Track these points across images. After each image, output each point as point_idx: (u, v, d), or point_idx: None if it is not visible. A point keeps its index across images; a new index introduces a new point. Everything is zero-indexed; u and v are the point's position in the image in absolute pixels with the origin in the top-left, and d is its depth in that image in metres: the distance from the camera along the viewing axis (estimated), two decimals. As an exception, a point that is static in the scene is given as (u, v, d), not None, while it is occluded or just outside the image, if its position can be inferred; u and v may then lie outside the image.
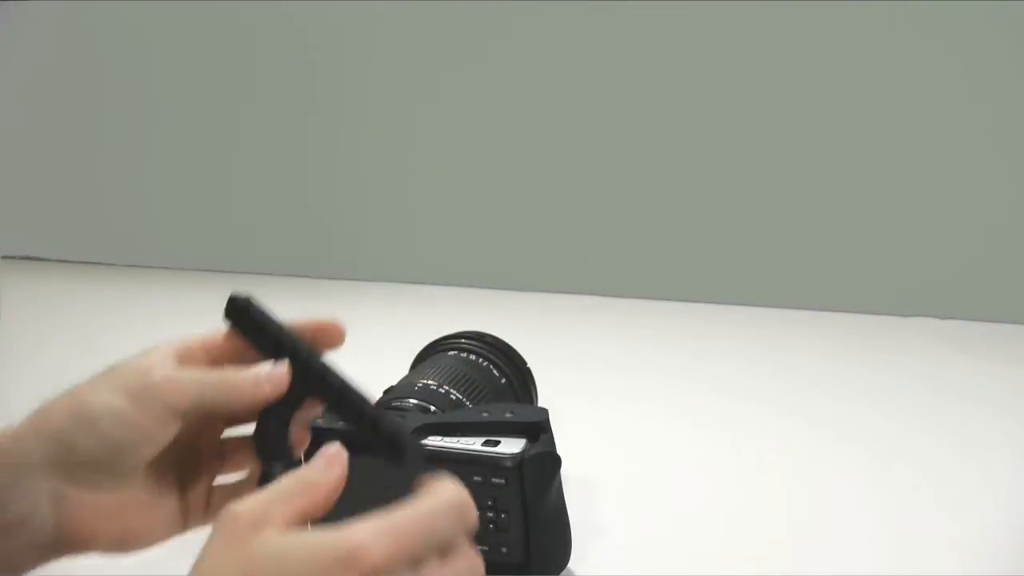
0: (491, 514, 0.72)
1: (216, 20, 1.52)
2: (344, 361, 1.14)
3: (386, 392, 0.83)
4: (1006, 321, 1.29)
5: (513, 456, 0.71)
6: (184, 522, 0.57)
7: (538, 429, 0.72)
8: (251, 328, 0.59)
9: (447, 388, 0.81)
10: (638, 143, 1.41)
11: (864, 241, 1.36)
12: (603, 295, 1.42)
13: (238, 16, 1.50)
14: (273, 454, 0.56)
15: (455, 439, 0.72)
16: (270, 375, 0.57)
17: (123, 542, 0.55)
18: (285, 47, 1.50)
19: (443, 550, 0.50)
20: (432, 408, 0.79)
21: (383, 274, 1.51)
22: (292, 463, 0.55)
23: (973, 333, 1.25)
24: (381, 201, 1.53)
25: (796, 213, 1.38)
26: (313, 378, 0.58)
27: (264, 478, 0.54)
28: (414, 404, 0.79)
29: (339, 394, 0.57)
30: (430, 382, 0.82)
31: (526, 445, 0.71)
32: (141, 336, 1.27)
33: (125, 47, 1.57)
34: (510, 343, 0.89)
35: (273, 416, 0.57)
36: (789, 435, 0.98)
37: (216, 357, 0.57)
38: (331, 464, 0.52)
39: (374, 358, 1.04)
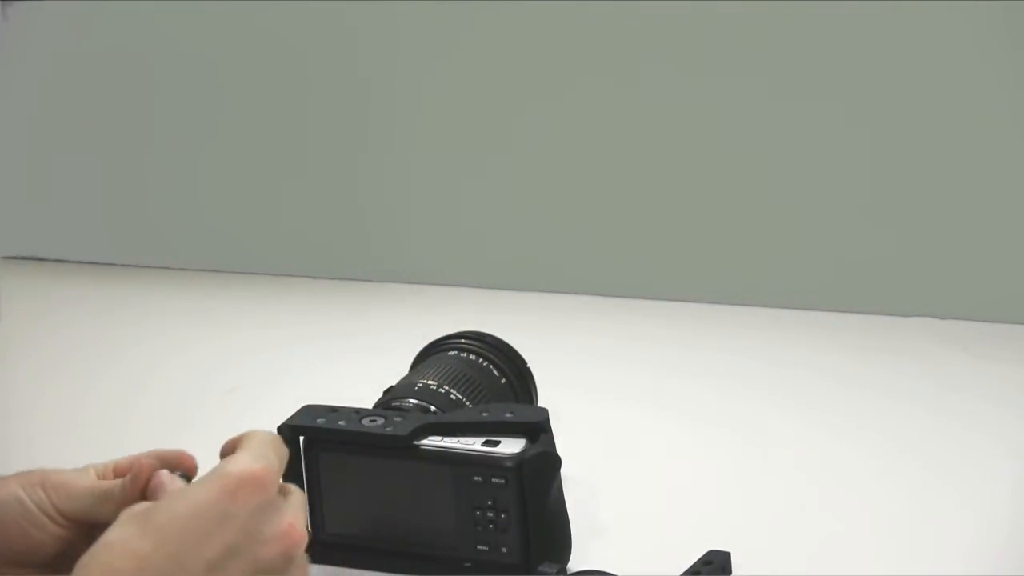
0: (491, 514, 0.72)
1: (216, 20, 1.52)
2: (344, 361, 1.14)
3: (386, 392, 0.83)
4: (1006, 321, 1.29)
5: (513, 456, 0.71)
6: None
7: (538, 429, 0.72)
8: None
9: (447, 388, 0.81)
10: (638, 143, 1.41)
11: (864, 241, 1.36)
12: (603, 295, 1.42)
13: (238, 16, 1.50)
14: None
15: (455, 439, 0.72)
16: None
17: None
18: (285, 47, 1.50)
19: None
20: (432, 408, 0.79)
21: (383, 274, 1.51)
22: None
23: (973, 333, 1.25)
24: (381, 201, 1.53)
25: (796, 213, 1.38)
26: None
27: None
28: (414, 404, 0.79)
29: None
30: (430, 382, 0.82)
31: (526, 445, 0.71)
32: (141, 336, 1.27)
33: (125, 47, 1.57)
34: (510, 343, 0.89)
35: None
36: (789, 435, 0.98)
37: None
38: None
39: (374, 358, 1.04)
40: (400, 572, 0.74)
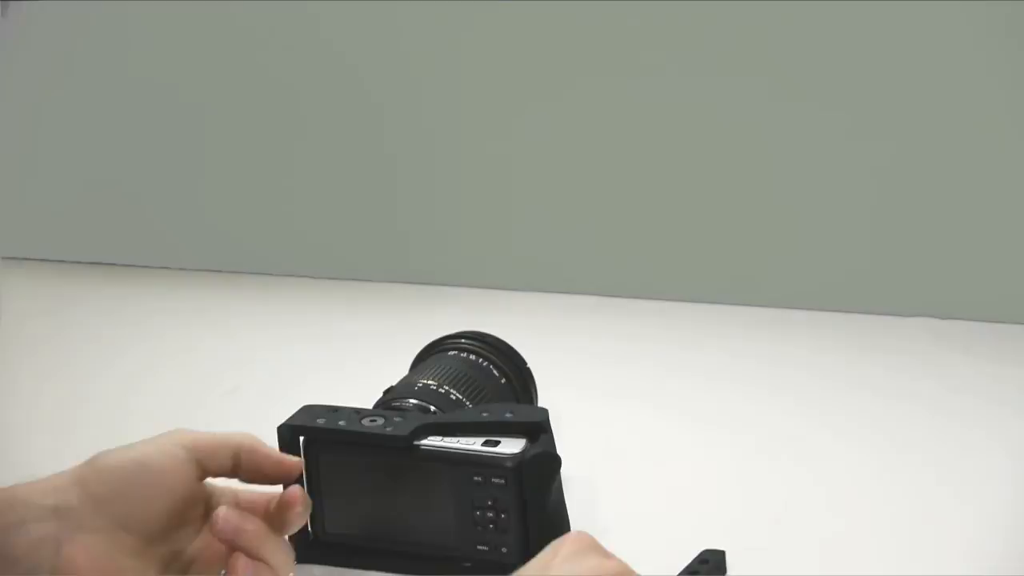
0: (491, 514, 0.72)
1: (216, 20, 1.52)
2: (344, 361, 1.14)
3: (386, 392, 0.83)
4: (1006, 321, 1.28)
5: (513, 456, 0.71)
6: None
7: (538, 429, 0.72)
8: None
9: (447, 388, 0.81)
10: (638, 143, 1.41)
11: (864, 241, 1.36)
12: (603, 295, 1.42)
13: (238, 16, 1.50)
14: None
15: (455, 439, 0.73)
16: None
17: None
18: (285, 47, 1.50)
19: None
20: (432, 408, 0.79)
21: (383, 274, 1.51)
22: None
23: (973, 333, 1.25)
24: (381, 201, 1.53)
25: (796, 213, 1.38)
26: None
27: None
28: (414, 404, 0.79)
29: None
30: (430, 382, 0.82)
31: (526, 445, 0.71)
32: (141, 336, 1.27)
33: (125, 46, 1.57)
34: (510, 343, 0.89)
35: None
36: (789, 435, 0.98)
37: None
38: None
39: (374, 358, 1.04)
40: (400, 572, 0.74)
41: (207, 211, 1.59)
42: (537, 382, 0.89)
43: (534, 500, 0.71)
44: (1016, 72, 1.28)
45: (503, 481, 0.70)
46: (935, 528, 0.82)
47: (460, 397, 0.81)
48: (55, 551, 0.55)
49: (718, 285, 1.41)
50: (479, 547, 0.73)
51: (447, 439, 0.72)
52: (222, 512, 0.58)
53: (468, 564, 0.73)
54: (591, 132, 1.44)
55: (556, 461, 0.71)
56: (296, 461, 0.65)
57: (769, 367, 1.16)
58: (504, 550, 0.72)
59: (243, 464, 0.61)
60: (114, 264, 1.62)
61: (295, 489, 0.65)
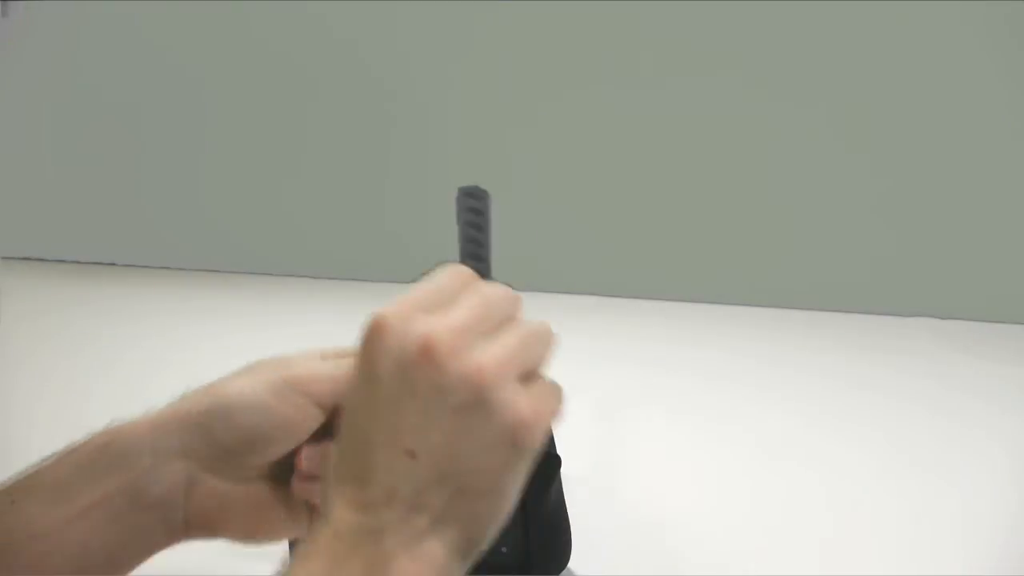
0: (491, 514, 0.72)
1: (216, 20, 1.52)
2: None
3: (386, 392, 0.83)
4: (1006, 321, 1.29)
5: (513, 456, 0.71)
6: (310, 523, 0.57)
7: (538, 429, 0.72)
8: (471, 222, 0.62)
9: (447, 388, 0.81)
10: (639, 143, 1.41)
11: (864, 241, 1.36)
12: (603, 295, 1.42)
13: (238, 16, 1.50)
14: None
15: (455, 439, 0.72)
16: None
17: (248, 535, 0.57)
18: (285, 47, 1.50)
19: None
20: (432, 408, 0.79)
21: (383, 274, 1.51)
22: None
23: (973, 333, 1.25)
24: (381, 202, 1.53)
25: (796, 214, 1.38)
26: None
27: None
28: (414, 404, 0.79)
29: None
30: (430, 382, 0.82)
31: (526, 445, 0.71)
32: (141, 336, 1.27)
33: (125, 46, 1.57)
34: (510, 343, 0.89)
35: None
36: (789, 435, 0.98)
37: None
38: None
39: (374, 358, 1.04)
40: (400, 572, 0.74)
41: (207, 211, 1.59)
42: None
43: (534, 500, 0.71)
44: (1016, 73, 1.28)
45: (503, 481, 0.70)
46: (935, 528, 0.82)
47: (460, 397, 0.81)
48: (187, 495, 0.55)
49: (718, 285, 1.41)
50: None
51: (447, 439, 0.72)
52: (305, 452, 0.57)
53: (468, 564, 0.73)
54: (591, 133, 1.44)
55: (556, 461, 0.71)
56: None
57: (769, 367, 1.16)
58: (504, 550, 0.72)
59: None
60: (114, 264, 1.62)
61: None
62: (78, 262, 1.62)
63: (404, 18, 1.46)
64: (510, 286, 0.57)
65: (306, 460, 0.55)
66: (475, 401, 0.46)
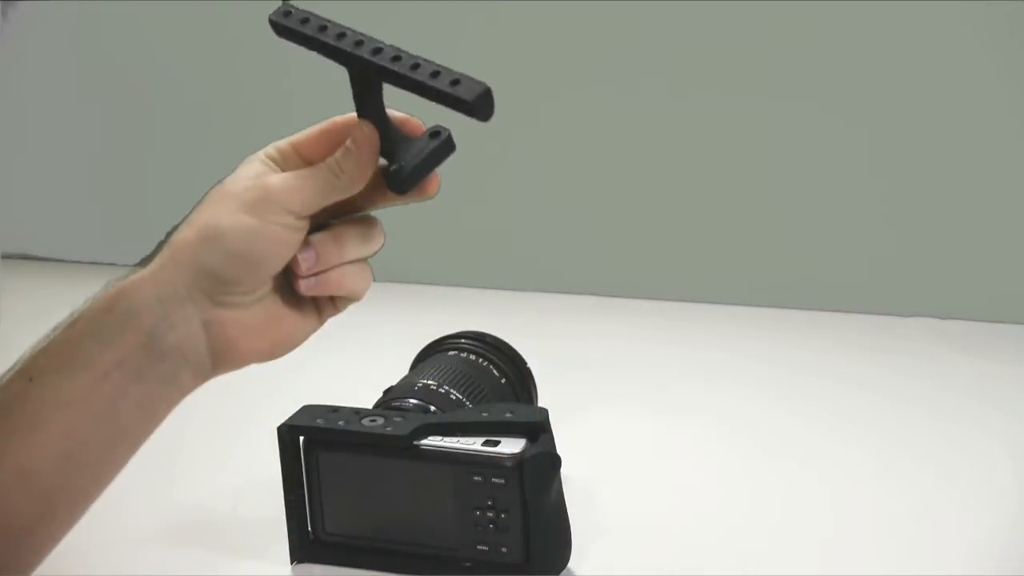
0: (491, 514, 0.72)
1: (216, 20, 1.52)
2: (344, 361, 1.13)
3: (386, 392, 0.83)
4: (1006, 321, 1.29)
5: (513, 456, 0.71)
6: (319, 317, 0.62)
7: (538, 429, 0.72)
8: (300, 36, 0.64)
9: (447, 388, 0.81)
10: (638, 144, 1.41)
11: (863, 241, 1.36)
12: (603, 295, 1.42)
13: (238, 16, 1.50)
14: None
15: (455, 439, 0.72)
16: (362, 142, 0.61)
17: (272, 350, 0.60)
18: (285, 46, 1.50)
19: None
20: (432, 408, 0.79)
21: (383, 274, 1.51)
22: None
23: (973, 333, 1.25)
24: (381, 201, 1.52)
25: (796, 214, 1.38)
26: (373, 66, 0.61)
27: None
28: (414, 404, 0.79)
29: (398, 70, 0.62)
30: (430, 382, 0.82)
31: (526, 445, 0.71)
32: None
33: (125, 47, 1.57)
34: (510, 343, 0.89)
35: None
36: (789, 435, 0.98)
37: (309, 156, 0.62)
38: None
39: (374, 358, 1.04)
40: (400, 572, 0.74)
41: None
42: (537, 382, 0.89)
43: (534, 500, 0.71)
44: (1016, 73, 1.28)
45: (503, 481, 0.70)
46: (935, 528, 0.82)
47: (460, 397, 0.81)
48: (207, 334, 0.57)
49: (718, 285, 1.41)
50: (479, 547, 0.73)
51: (447, 439, 0.72)
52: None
53: (468, 564, 0.73)
54: (591, 133, 1.44)
55: (556, 461, 0.71)
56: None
57: (769, 367, 1.16)
58: (504, 550, 0.72)
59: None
60: (114, 264, 1.62)
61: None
62: (78, 262, 1.62)
63: (404, 18, 1.46)
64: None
65: (303, 262, 0.59)
66: None
